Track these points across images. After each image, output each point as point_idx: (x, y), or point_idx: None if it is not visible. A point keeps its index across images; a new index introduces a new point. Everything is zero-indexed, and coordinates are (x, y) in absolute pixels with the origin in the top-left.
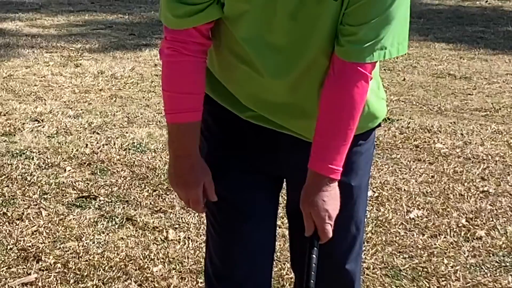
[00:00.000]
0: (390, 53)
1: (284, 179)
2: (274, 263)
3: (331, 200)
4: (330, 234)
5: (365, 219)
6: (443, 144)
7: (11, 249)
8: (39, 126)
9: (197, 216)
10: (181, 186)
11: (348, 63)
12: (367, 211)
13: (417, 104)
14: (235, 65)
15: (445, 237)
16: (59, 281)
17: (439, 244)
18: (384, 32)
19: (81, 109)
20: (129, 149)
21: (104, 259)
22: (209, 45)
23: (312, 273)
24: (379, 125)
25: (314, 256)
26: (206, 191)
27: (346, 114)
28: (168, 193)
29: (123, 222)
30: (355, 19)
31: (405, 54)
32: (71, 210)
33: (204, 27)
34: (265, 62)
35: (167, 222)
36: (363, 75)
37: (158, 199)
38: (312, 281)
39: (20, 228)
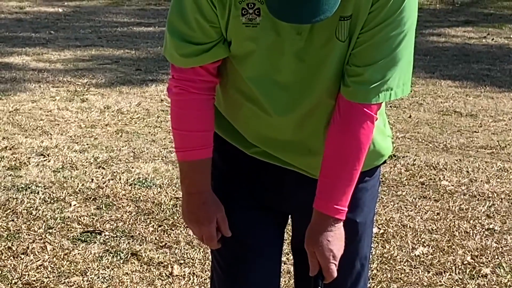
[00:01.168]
0: (396, 94)
1: (290, 215)
2: None
3: (335, 240)
4: (335, 274)
5: (370, 256)
6: (449, 182)
7: (15, 283)
8: (44, 160)
9: (202, 252)
10: (194, 223)
11: (353, 103)
12: (373, 248)
13: (423, 141)
14: (240, 103)
15: (450, 275)
16: None
17: (444, 282)
18: (390, 74)
19: (87, 144)
20: (135, 184)
21: None
22: (217, 82)
23: None
24: (385, 161)
25: None
26: (219, 226)
27: (351, 155)
28: (173, 228)
29: (128, 257)
30: (361, 60)
31: (411, 91)
32: (76, 244)
33: (211, 65)
34: (270, 100)
35: (172, 258)
36: (369, 116)
37: (163, 234)
38: None
39: (25, 262)
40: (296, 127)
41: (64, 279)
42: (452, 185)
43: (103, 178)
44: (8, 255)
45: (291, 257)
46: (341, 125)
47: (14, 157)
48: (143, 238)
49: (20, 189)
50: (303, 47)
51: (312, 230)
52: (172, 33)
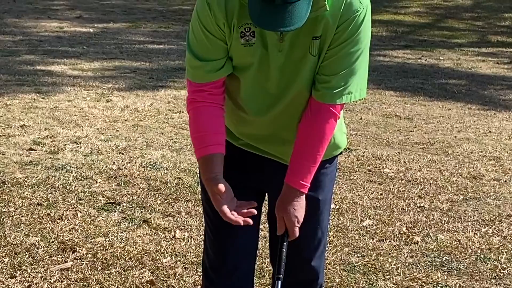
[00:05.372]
0: (355, 96)
1: (266, 193)
2: (257, 258)
3: (300, 208)
4: (297, 234)
5: (329, 226)
6: (390, 169)
7: (52, 242)
8: (77, 147)
9: (198, 220)
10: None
11: (322, 104)
12: (330, 220)
13: (371, 138)
14: (231, 109)
15: (389, 241)
16: (89, 268)
17: (385, 247)
18: (351, 81)
19: (110, 135)
20: (147, 166)
21: (125, 251)
22: (223, 93)
23: (283, 263)
24: (341, 153)
25: (284, 250)
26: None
27: (317, 143)
28: (176, 201)
29: (141, 223)
30: (329, 70)
31: (363, 98)
32: (100, 213)
33: (221, 80)
34: (253, 104)
35: (175, 224)
36: (334, 114)
37: (168, 206)
38: (282, 270)
39: (60, 226)
40: (271, 124)
41: (90, 240)
42: (393, 172)
43: (122, 161)
44: (47, 220)
45: (267, 226)
46: (311, 120)
47: (53, 143)
48: (152, 208)
49: (58, 168)
50: (284, 62)
51: (282, 199)
52: (195, 56)
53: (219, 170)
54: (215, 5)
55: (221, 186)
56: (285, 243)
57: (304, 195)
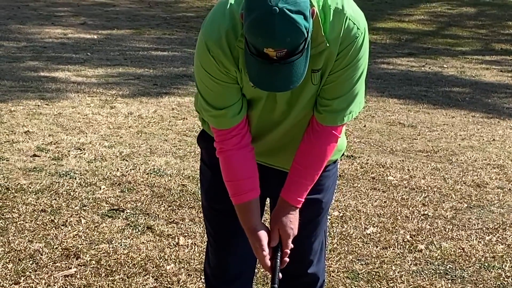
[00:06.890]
0: (355, 112)
1: (268, 199)
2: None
3: (295, 221)
4: (291, 246)
5: (332, 233)
6: (394, 177)
7: (56, 248)
8: (81, 153)
9: (202, 227)
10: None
11: (324, 126)
12: (333, 227)
13: (374, 145)
14: None
15: (393, 249)
16: (93, 275)
17: (388, 255)
18: (352, 102)
19: (114, 141)
20: (151, 173)
21: (129, 258)
22: (248, 131)
23: (277, 273)
24: (343, 154)
25: (278, 260)
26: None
27: (317, 164)
28: (180, 208)
29: (144, 230)
30: (330, 94)
31: (366, 106)
32: (104, 219)
33: (245, 119)
34: (256, 130)
35: (178, 231)
36: (334, 136)
37: (172, 212)
38: (277, 280)
39: (64, 232)
40: (274, 143)
41: (94, 246)
42: (396, 180)
43: (126, 168)
44: (51, 226)
45: None
46: (312, 141)
47: (57, 150)
48: (156, 215)
49: (62, 175)
50: (289, 96)
51: (278, 213)
52: (215, 108)
53: (257, 217)
54: (222, 56)
55: (260, 238)
56: (278, 254)
57: (298, 209)
